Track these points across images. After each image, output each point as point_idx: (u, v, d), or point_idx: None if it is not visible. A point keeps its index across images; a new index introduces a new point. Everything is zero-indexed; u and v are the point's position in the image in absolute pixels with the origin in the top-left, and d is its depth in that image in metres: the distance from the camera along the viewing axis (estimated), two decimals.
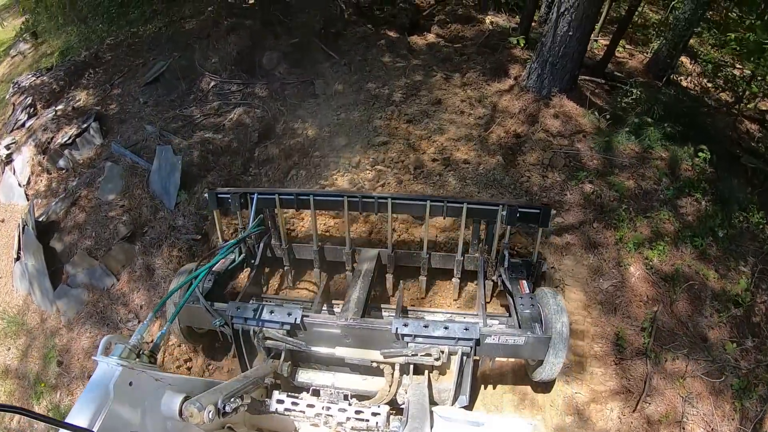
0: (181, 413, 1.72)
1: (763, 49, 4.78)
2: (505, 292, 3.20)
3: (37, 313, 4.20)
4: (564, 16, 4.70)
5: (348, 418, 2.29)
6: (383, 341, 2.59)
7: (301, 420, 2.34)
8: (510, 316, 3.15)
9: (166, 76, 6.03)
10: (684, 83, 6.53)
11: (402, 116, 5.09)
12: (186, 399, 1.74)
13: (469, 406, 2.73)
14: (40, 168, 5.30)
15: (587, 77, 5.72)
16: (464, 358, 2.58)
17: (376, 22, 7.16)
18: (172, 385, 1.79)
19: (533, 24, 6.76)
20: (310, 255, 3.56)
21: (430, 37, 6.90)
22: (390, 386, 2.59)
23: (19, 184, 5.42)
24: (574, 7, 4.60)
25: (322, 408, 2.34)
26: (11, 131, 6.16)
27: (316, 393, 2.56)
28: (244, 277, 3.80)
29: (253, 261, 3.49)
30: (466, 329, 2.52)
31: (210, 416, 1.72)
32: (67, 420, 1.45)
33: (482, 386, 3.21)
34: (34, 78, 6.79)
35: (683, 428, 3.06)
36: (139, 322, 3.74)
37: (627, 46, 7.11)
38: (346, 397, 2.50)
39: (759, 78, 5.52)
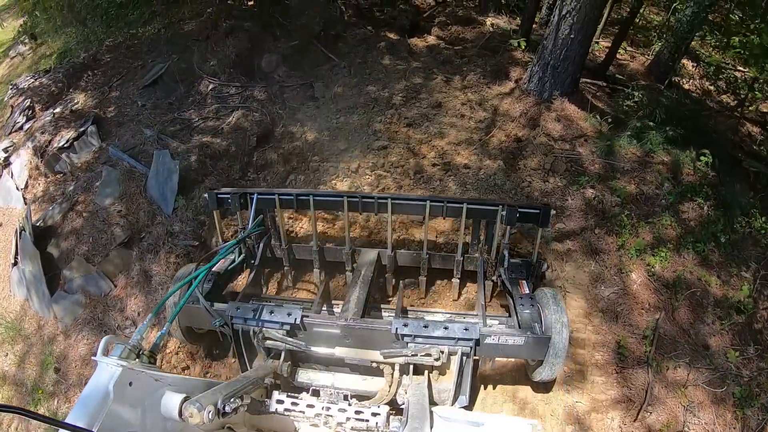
0: (180, 413, 1.72)
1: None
2: (505, 293, 3.20)
3: (35, 319, 4.17)
4: (566, 19, 4.67)
5: (348, 419, 2.29)
6: (383, 341, 2.59)
7: (300, 420, 2.34)
8: (510, 316, 3.15)
9: (164, 79, 5.99)
10: (686, 86, 6.50)
11: (402, 120, 5.06)
12: (186, 399, 1.74)
13: (469, 406, 2.73)
14: (37, 172, 5.26)
15: (588, 80, 5.68)
16: (464, 358, 2.59)
17: (376, 23, 7.12)
18: (171, 385, 1.80)
19: (534, 26, 6.72)
20: (309, 255, 3.57)
21: (431, 39, 6.86)
22: (390, 386, 2.59)
23: (17, 188, 5.39)
24: (576, 10, 4.57)
25: (322, 408, 2.35)
26: (9, 134, 6.12)
27: (315, 393, 2.58)
28: (243, 277, 3.79)
29: (252, 261, 3.49)
30: (465, 329, 2.52)
31: (210, 416, 1.72)
32: (67, 420, 1.46)
33: (482, 387, 3.20)
34: (32, 80, 6.76)
35: None
36: (136, 328, 3.72)
37: (628, 48, 7.07)
38: (346, 398, 2.51)
39: (762, 81, 5.48)
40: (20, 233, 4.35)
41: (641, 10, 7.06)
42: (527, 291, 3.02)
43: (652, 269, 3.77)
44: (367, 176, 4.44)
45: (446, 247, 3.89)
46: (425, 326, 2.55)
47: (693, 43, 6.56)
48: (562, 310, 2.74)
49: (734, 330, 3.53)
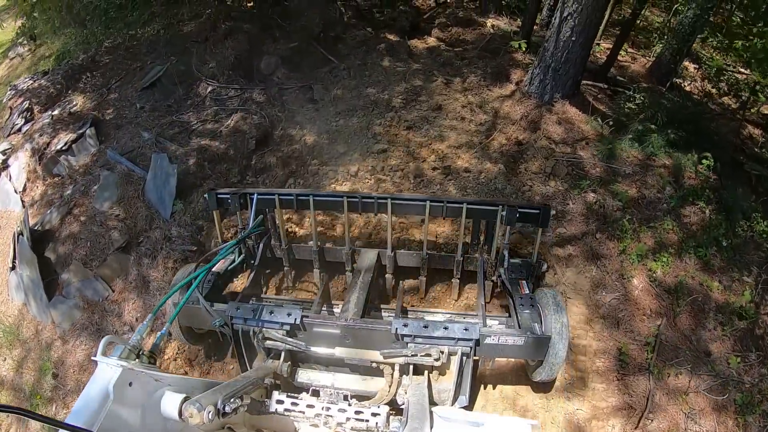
0: (180, 414, 1.71)
1: None
2: (504, 293, 3.19)
3: (33, 324, 4.15)
4: (567, 21, 4.64)
5: (348, 419, 2.28)
6: (383, 341, 2.59)
7: (300, 420, 2.34)
8: (510, 316, 3.14)
9: (163, 81, 5.96)
10: (687, 88, 6.46)
11: (402, 122, 5.03)
12: (186, 399, 1.73)
13: (469, 407, 2.73)
14: (35, 174, 5.24)
15: (589, 82, 5.65)
16: (464, 358, 2.59)
17: (376, 25, 7.09)
18: (171, 385, 1.79)
19: (535, 28, 6.68)
20: (309, 255, 3.57)
21: (431, 41, 6.83)
22: (390, 386, 2.59)
23: (15, 191, 5.37)
24: (577, 12, 4.53)
25: (322, 408, 2.34)
26: (8, 136, 6.11)
27: (315, 393, 2.57)
28: (243, 277, 3.78)
29: (252, 261, 3.49)
30: (465, 329, 2.52)
31: (210, 417, 1.71)
32: (67, 420, 1.45)
33: (481, 393, 3.18)
34: (31, 81, 6.73)
35: None
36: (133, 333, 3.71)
37: (629, 50, 7.03)
38: (345, 398, 2.51)
39: (764, 84, 5.44)
40: (18, 237, 4.34)
41: (642, 12, 7.03)
42: (527, 291, 3.02)
43: (654, 274, 3.74)
44: (367, 180, 4.42)
45: (446, 247, 3.87)
46: (425, 326, 2.55)
47: (694, 45, 6.52)
48: (562, 311, 2.74)
49: (736, 336, 3.50)
